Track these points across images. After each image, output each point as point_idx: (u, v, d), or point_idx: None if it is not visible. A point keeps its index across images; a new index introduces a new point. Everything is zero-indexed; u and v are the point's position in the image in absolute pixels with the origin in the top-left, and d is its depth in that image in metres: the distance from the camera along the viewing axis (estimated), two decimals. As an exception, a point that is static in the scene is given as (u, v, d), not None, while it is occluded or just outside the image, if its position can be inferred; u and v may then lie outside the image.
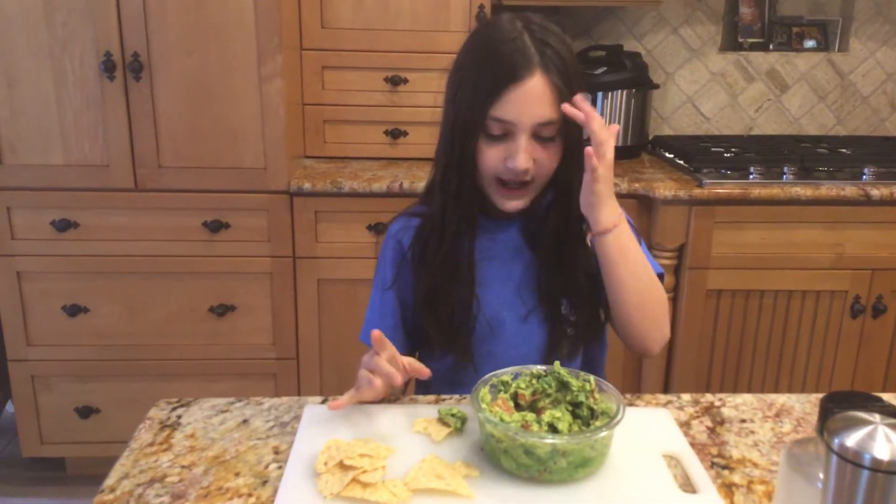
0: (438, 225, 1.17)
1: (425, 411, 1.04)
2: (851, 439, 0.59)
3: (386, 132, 2.29)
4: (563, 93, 1.08)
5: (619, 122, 2.39)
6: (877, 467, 0.57)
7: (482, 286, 1.18)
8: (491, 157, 1.11)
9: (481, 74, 1.10)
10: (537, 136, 1.10)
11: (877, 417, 0.60)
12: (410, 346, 1.24)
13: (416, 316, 1.20)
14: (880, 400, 0.73)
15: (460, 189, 1.15)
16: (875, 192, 2.05)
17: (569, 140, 1.12)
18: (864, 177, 2.13)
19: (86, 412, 2.20)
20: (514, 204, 1.14)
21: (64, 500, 2.24)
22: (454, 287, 1.16)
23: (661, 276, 1.17)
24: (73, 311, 2.12)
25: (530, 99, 1.07)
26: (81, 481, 2.29)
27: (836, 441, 0.59)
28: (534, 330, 1.19)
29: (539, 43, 1.09)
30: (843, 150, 2.37)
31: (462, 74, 1.13)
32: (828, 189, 2.06)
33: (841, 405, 0.69)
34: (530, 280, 1.20)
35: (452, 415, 0.98)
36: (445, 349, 1.19)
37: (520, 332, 1.19)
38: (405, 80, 2.23)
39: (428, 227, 1.18)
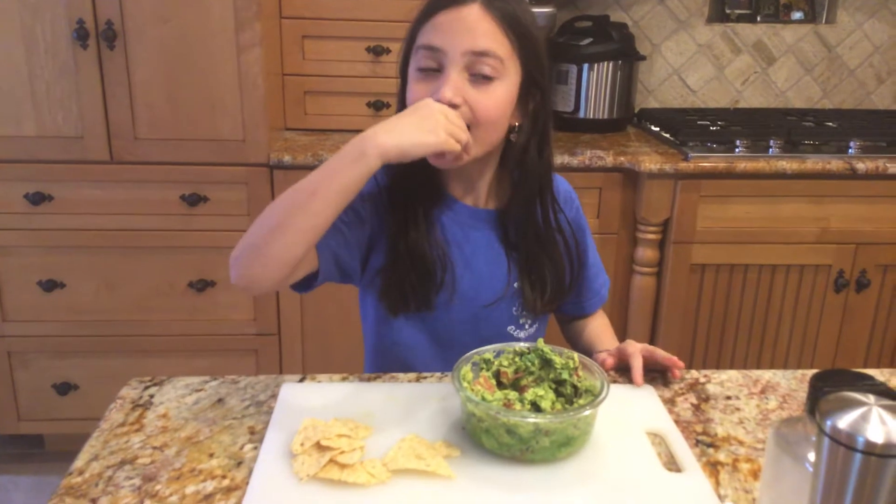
0: (401, 187, 1.10)
1: (405, 389, 1.01)
2: (844, 421, 0.57)
3: (368, 104, 2.24)
4: (507, 32, 1.01)
5: (604, 95, 2.36)
6: (870, 450, 0.55)
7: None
8: (418, 93, 1.01)
9: (420, 9, 1.05)
10: (472, 72, 1.00)
11: (871, 398, 0.58)
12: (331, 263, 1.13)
13: (387, 258, 1.12)
14: (870, 378, 0.71)
15: None
16: (860, 166, 2.04)
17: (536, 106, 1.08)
18: (850, 150, 2.12)
19: (64, 389, 2.16)
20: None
21: (43, 477, 2.21)
22: (423, 243, 1.09)
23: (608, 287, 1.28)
24: (49, 286, 2.07)
25: (462, 25, 0.99)
26: (60, 458, 2.23)
27: (829, 423, 0.57)
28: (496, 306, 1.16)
29: None
30: (830, 124, 2.36)
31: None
32: (813, 163, 2.04)
33: (830, 384, 0.67)
34: (496, 269, 1.15)
35: None
36: (412, 297, 1.12)
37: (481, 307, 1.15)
38: (388, 51, 2.18)
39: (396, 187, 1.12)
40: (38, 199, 2.00)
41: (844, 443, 0.56)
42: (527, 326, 1.18)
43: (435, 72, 1.01)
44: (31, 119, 1.95)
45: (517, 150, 1.10)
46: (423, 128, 0.94)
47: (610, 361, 1.09)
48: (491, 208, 1.16)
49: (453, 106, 0.99)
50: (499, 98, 1.03)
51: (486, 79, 1.01)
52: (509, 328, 1.17)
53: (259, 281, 0.98)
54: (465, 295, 1.13)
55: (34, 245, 2.05)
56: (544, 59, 1.07)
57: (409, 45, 1.06)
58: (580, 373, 0.95)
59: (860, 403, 0.58)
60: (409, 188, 1.10)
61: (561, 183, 1.23)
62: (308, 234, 0.94)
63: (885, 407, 0.57)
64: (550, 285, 1.15)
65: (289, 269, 0.96)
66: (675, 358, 1.06)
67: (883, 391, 0.66)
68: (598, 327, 1.27)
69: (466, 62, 1.00)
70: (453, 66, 1.00)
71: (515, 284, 1.15)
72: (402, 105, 1.09)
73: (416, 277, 1.09)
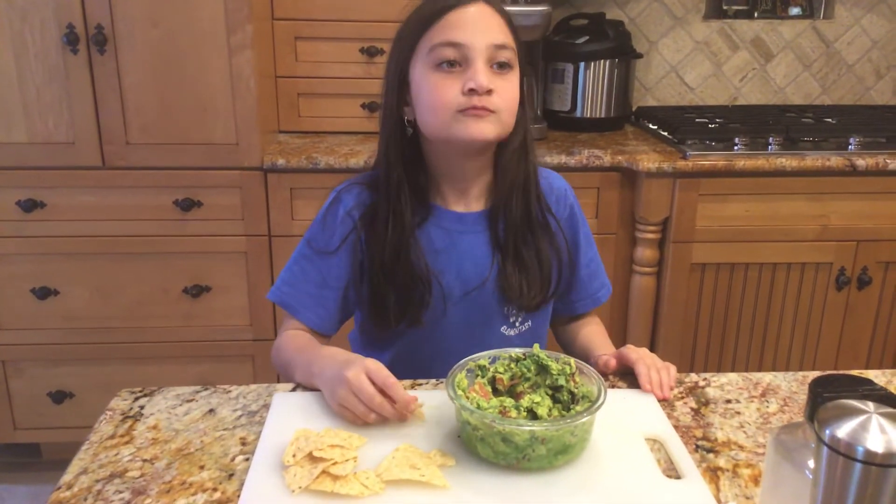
0: (386, 205, 1.10)
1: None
2: (843, 430, 0.55)
3: (363, 105, 2.23)
4: (510, 27, 1.08)
5: (601, 93, 2.34)
6: (870, 460, 0.53)
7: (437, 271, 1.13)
8: (448, 88, 1.04)
9: (419, 13, 1.08)
10: (493, 63, 1.05)
11: (870, 406, 0.57)
12: (344, 314, 1.18)
13: (371, 282, 1.13)
14: (870, 382, 0.70)
15: (406, 162, 1.10)
16: (860, 163, 2.02)
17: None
18: (850, 147, 2.10)
19: (59, 397, 2.15)
20: (481, 128, 1.04)
21: (39, 486, 2.20)
22: (406, 265, 1.10)
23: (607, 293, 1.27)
24: (43, 293, 2.06)
25: (478, 21, 1.05)
26: (57, 466, 2.21)
27: (827, 432, 0.56)
28: (484, 303, 1.15)
29: None
30: (829, 120, 2.34)
31: (400, 31, 1.11)
32: (813, 160, 2.02)
33: (830, 389, 0.66)
34: (484, 269, 1.14)
35: None
36: (399, 317, 1.12)
37: (471, 306, 1.14)
38: (381, 51, 2.16)
39: (380, 206, 1.11)
40: (30, 206, 1.98)
41: (844, 452, 0.55)
42: (517, 324, 1.17)
43: (453, 66, 1.04)
44: (22, 125, 1.94)
45: (508, 148, 1.12)
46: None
47: (612, 363, 1.08)
48: (480, 209, 1.15)
49: (488, 91, 1.02)
50: (516, 85, 1.08)
51: (504, 68, 1.06)
52: (502, 328, 1.16)
53: None
54: (457, 302, 1.13)
55: (27, 253, 2.03)
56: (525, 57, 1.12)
57: (411, 48, 1.07)
58: (577, 378, 0.93)
59: (859, 412, 0.56)
60: (395, 209, 1.10)
61: (556, 180, 1.23)
62: None
63: (884, 415, 0.56)
64: (539, 279, 1.14)
65: None
66: (653, 389, 1.04)
67: (883, 396, 0.65)
68: (593, 333, 1.25)
69: (489, 55, 1.04)
70: (479, 57, 1.03)
71: (502, 271, 1.14)
72: (394, 104, 1.10)
73: (402, 305, 1.11)
